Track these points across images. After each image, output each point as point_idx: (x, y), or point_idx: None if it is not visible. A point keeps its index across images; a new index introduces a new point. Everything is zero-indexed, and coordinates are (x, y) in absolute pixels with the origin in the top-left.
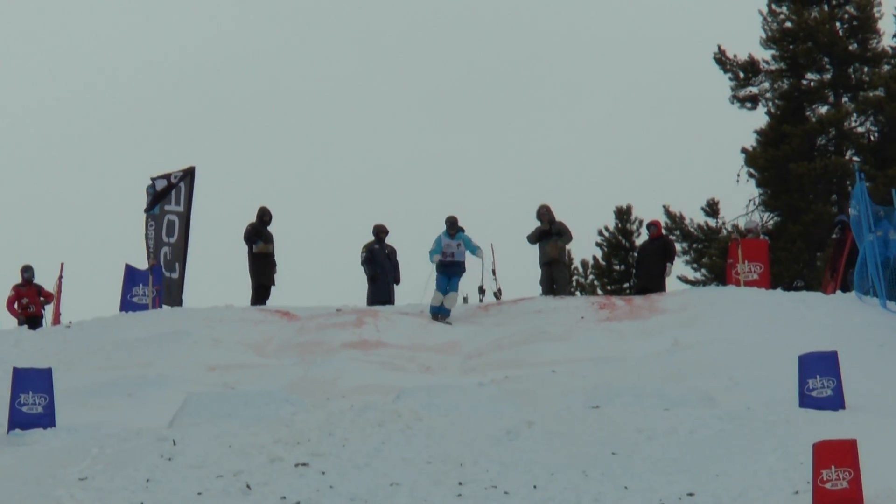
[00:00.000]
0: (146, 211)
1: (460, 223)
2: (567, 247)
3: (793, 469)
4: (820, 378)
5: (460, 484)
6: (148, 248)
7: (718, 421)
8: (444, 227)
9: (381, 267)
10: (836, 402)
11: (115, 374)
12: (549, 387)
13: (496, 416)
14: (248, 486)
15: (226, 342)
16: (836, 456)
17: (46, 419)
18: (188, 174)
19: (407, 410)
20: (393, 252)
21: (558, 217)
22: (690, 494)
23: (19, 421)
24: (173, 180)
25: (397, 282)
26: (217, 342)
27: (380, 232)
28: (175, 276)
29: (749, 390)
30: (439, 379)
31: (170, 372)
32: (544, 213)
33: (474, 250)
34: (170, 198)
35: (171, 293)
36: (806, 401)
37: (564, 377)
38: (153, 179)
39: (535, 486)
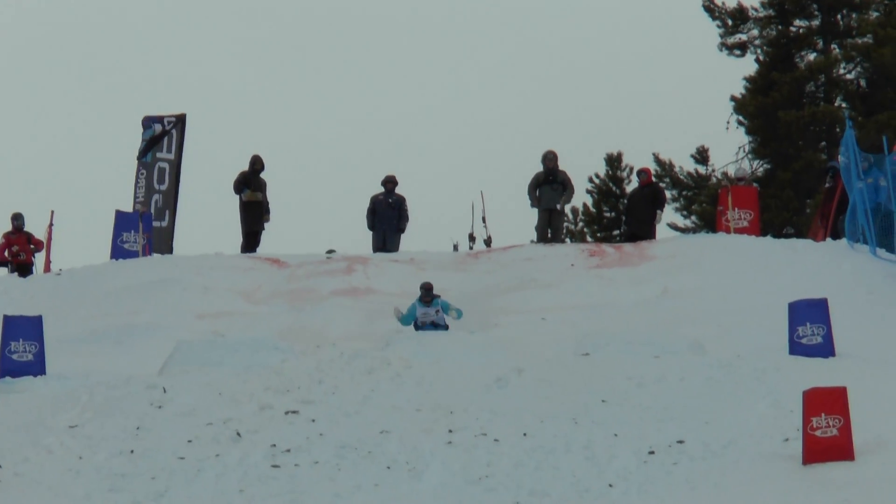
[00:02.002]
0: (139, 158)
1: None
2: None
3: (783, 416)
4: (810, 325)
5: (450, 431)
6: (136, 195)
7: (708, 368)
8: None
9: (379, 217)
10: (826, 349)
11: (105, 322)
12: (538, 334)
13: (486, 364)
14: (238, 434)
15: (215, 290)
16: (826, 403)
17: (37, 367)
18: (179, 121)
19: (396, 358)
20: (401, 201)
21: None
22: (680, 442)
23: (9, 368)
24: (166, 125)
25: (402, 230)
26: (207, 290)
27: (387, 182)
28: (164, 224)
29: (739, 338)
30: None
31: (159, 320)
32: (551, 160)
33: (459, 314)
34: (161, 144)
35: (161, 241)
36: (796, 348)
37: (554, 325)
38: (146, 120)
39: (524, 434)
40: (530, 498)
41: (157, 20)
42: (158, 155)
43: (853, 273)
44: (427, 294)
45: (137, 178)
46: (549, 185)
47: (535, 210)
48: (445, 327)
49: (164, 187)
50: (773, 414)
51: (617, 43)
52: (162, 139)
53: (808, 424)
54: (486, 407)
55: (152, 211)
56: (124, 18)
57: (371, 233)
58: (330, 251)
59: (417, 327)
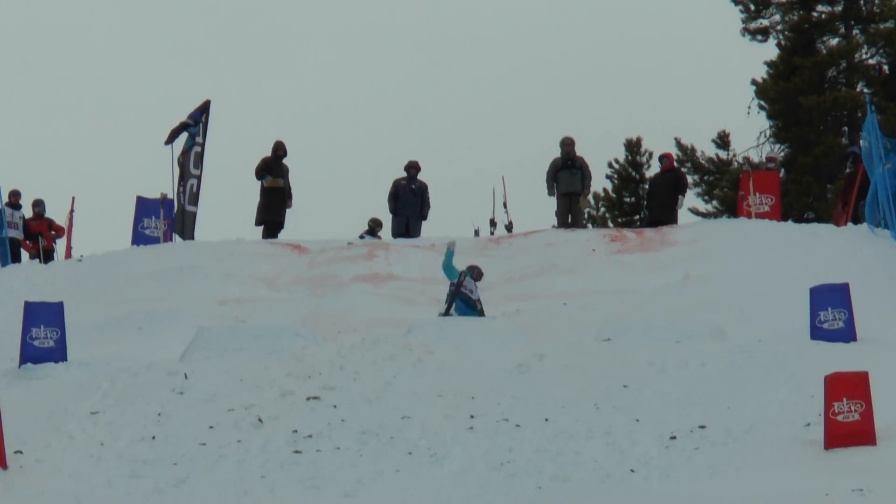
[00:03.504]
0: (165, 143)
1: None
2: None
3: (804, 401)
4: (831, 310)
5: (472, 417)
6: (182, 179)
7: (729, 354)
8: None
9: (402, 202)
10: (847, 334)
11: (126, 309)
12: (560, 320)
13: (507, 350)
14: (260, 420)
15: (237, 276)
16: (848, 388)
17: (58, 353)
18: (206, 108)
19: (418, 344)
20: (423, 188)
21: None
22: (702, 427)
23: (31, 355)
24: (189, 119)
25: (424, 217)
26: (228, 276)
27: (410, 168)
28: (195, 209)
29: (760, 323)
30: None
31: (181, 306)
32: (568, 145)
33: (447, 255)
34: (199, 130)
35: (186, 227)
36: (817, 333)
37: (575, 310)
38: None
39: (546, 419)
40: (552, 483)
41: (179, 4)
42: (198, 139)
43: (874, 258)
44: (480, 276)
45: (184, 161)
46: (568, 170)
47: (555, 195)
48: (475, 307)
49: (198, 172)
50: (794, 399)
51: (638, 27)
52: (187, 127)
53: (830, 409)
54: (508, 392)
55: (187, 196)
56: (146, 3)
57: (392, 217)
58: (373, 222)
59: (453, 297)
